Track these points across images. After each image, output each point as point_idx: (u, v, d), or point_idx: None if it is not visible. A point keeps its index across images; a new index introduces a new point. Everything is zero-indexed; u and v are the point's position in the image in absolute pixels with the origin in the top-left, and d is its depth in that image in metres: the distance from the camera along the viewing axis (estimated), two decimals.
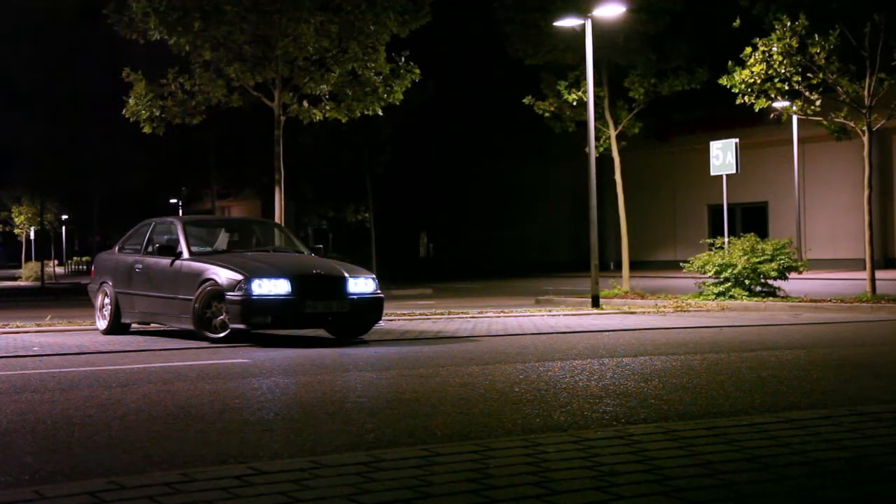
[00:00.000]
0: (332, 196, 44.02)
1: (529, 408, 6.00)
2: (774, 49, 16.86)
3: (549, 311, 16.38)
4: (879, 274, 18.23)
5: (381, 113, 18.02)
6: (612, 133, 21.97)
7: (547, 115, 22.54)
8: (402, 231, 49.50)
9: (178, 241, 11.56)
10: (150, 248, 12.12)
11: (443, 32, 29.62)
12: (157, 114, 17.06)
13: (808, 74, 17.15)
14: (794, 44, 16.78)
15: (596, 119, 18.95)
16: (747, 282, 18.04)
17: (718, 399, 6.31)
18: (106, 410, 6.06)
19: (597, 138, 19.39)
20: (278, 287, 10.39)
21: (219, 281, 10.56)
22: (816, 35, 16.69)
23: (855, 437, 4.61)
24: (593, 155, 17.94)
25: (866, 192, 17.75)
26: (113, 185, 49.12)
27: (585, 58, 17.74)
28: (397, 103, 17.93)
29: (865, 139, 17.52)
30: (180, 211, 52.27)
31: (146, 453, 4.70)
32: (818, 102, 17.34)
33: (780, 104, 18.76)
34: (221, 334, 10.58)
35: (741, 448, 4.39)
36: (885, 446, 4.41)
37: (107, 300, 12.32)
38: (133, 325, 12.49)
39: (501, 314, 15.16)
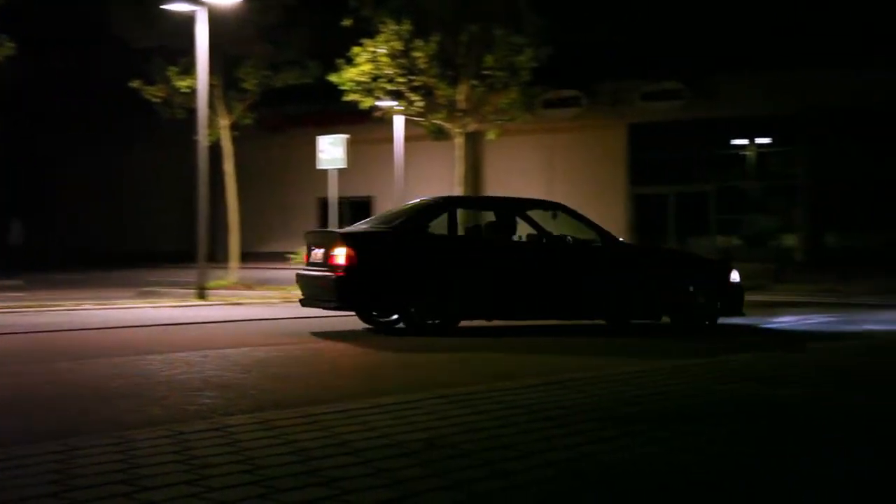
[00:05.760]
0: None
1: (124, 403, 5.81)
2: (381, 50, 17.63)
3: (153, 302, 15.88)
4: None
5: None
6: (225, 123, 21.73)
7: (156, 100, 21.80)
8: None
9: (538, 228, 10.90)
10: (465, 234, 11.73)
11: (46, 9, 27.66)
12: None
13: (411, 77, 18.13)
14: (399, 47, 17.65)
15: (208, 108, 18.62)
16: None
17: (316, 387, 6.50)
18: None
19: (209, 127, 19.06)
20: (735, 275, 11.45)
21: (722, 272, 11.40)
22: (419, 40, 17.68)
23: (434, 419, 4.97)
24: (203, 144, 17.62)
25: (460, 190, 19.14)
26: None
27: (197, 46, 17.38)
28: None
29: (459, 140, 18.88)
30: None
31: None
32: (419, 104, 18.40)
33: (385, 103, 19.63)
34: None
35: (334, 434, 4.57)
36: (459, 426, 4.80)
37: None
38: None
39: (101, 306, 14.46)
